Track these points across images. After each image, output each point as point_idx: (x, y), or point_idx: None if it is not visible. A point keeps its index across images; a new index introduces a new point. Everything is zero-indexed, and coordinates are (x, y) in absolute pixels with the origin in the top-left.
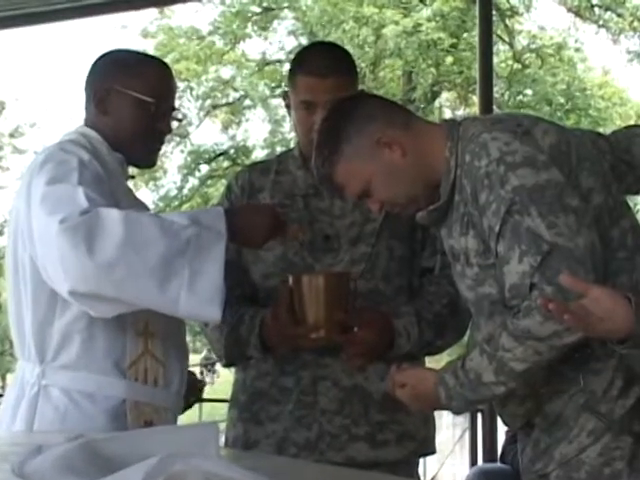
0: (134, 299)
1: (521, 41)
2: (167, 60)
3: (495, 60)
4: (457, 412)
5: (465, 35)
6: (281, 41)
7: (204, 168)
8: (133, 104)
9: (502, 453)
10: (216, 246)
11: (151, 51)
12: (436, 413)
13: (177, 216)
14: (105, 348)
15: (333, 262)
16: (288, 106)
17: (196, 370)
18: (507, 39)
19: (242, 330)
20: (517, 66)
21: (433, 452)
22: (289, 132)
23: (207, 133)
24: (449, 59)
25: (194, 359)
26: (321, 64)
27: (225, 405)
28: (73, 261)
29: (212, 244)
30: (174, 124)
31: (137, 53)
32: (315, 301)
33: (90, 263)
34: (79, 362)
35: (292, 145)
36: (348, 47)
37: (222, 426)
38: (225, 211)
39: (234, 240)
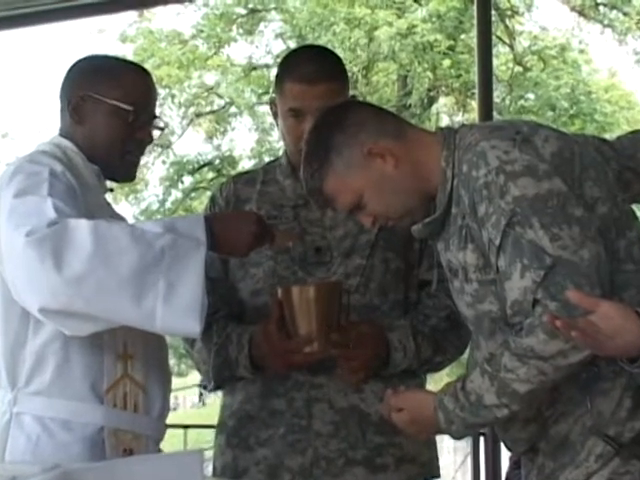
0: (107, 315)
1: (522, 42)
2: (147, 66)
3: (495, 63)
4: (457, 437)
5: (463, 37)
6: (268, 45)
7: (187, 180)
8: (110, 112)
9: (506, 479)
10: (194, 255)
11: (130, 56)
12: (437, 437)
13: (151, 224)
14: (81, 372)
15: (326, 276)
16: (275, 114)
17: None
18: (507, 40)
19: (230, 349)
20: (518, 69)
21: (437, 476)
22: (277, 141)
23: (190, 143)
24: (446, 62)
25: (179, 382)
26: (310, 70)
27: (212, 431)
28: (40, 276)
29: (190, 253)
30: (156, 133)
31: (115, 59)
32: (306, 313)
33: (58, 278)
34: (53, 387)
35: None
36: (339, 50)
37: (209, 454)
38: (205, 218)
39: (215, 249)
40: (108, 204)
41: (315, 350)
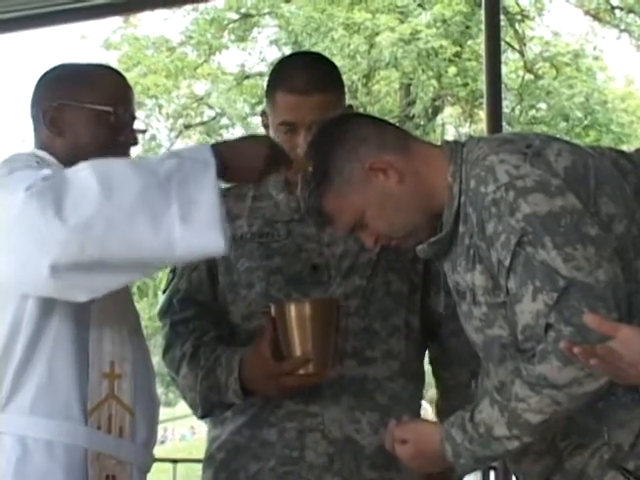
0: (124, 253)
1: (533, 49)
2: (133, 74)
3: (504, 70)
4: (465, 471)
5: (470, 43)
6: (262, 52)
7: None
8: (90, 118)
9: None
10: (204, 175)
11: (114, 64)
12: None
13: (153, 157)
14: (66, 388)
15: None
16: (266, 126)
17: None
18: (517, 46)
19: (219, 373)
20: (529, 77)
21: None
22: None
23: None
24: (452, 70)
25: (168, 413)
26: (304, 79)
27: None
28: (46, 229)
29: (199, 174)
30: (138, 137)
31: (84, 64)
32: (302, 332)
33: (64, 226)
34: (36, 405)
35: None
36: (337, 58)
37: None
38: (211, 145)
39: (224, 176)
40: None
41: (311, 372)
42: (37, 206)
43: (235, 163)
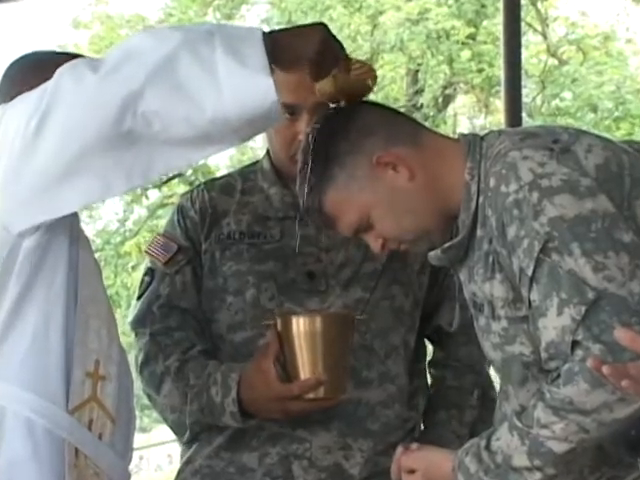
0: (168, 101)
1: (557, 30)
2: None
3: (524, 55)
4: None
5: (485, 23)
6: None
7: (154, 194)
8: None
9: None
10: (250, 36)
11: (84, 45)
12: None
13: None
14: (57, 367)
15: (320, 308)
16: None
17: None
18: (539, 28)
19: (213, 392)
20: (552, 62)
21: None
22: (262, 147)
23: None
24: (465, 54)
25: (142, 440)
26: None
27: None
28: (79, 93)
29: (244, 35)
30: None
31: (55, 53)
32: (312, 350)
33: (95, 80)
34: (21, 375)
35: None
36: None
37: None
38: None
39: (275, 49)
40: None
41: (321, 397)
42: (71, 76)
43: (283, 43)
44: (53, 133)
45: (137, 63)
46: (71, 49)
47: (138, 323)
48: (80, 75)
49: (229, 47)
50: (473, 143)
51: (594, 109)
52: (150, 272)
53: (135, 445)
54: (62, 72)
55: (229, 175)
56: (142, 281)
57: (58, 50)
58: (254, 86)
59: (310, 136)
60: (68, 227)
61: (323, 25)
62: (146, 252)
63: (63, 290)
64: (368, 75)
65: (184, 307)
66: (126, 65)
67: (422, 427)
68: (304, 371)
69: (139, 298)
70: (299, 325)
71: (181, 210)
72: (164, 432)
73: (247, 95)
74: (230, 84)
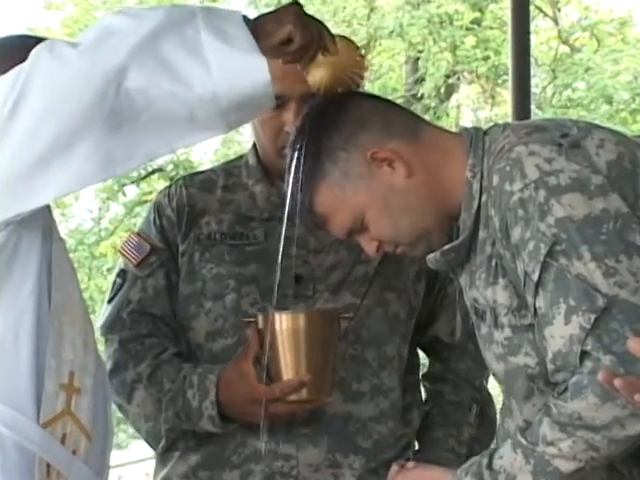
0: (153, 77)
1: (569, 15)
2: None
3: (534, 41)
4: None
5: (492, 7)
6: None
7: (131, 191)
8: None
9: None
10: (232, 17)
11: (57, 28)
12: None
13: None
14: (29, 377)
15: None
16: None
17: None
18: (550, 12)
19: (190, 395)
20: (564, 50)
21: None
22: (249, 141)
23: None
24: (470, 40)
25: (119, 456)
26: None
27: None
28: (61, 68)
29: (225, 15)
30: None
31: (26, 37)
32: (294, 349)
33: (76, 55)
34: None
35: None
36: (330, 25)
37: None
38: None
39: (254, 31)
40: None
41: (304, 399)
42: (46, 51)
43: (258, 30)
44: (29, 113)
45: (118, 39)
46: (42, 33)
47: (107, 329)
48: (59, 52)
49: (214, 27)
50: (475, 138)
51: (609, 100)
52: (122, 274)
53: (112, 463)
54: (39, 50)
55: (211, 170)
56: (114, 282)
57: (29, 34)
58: (245, 64)
59: (299, 130)
60: (40, 225)
61: (296, 4)
62: (119, 251)
63: (34, 295)
64: (359, 60)
65: (156, 314)
66: (107, 41)
67: (417, 445)
68: (286, 371)
69: (110, 301)
70: (282, 322)
71: (158, 208)
72: (142, 449)
73: (238, 73)
74: (219, 62)
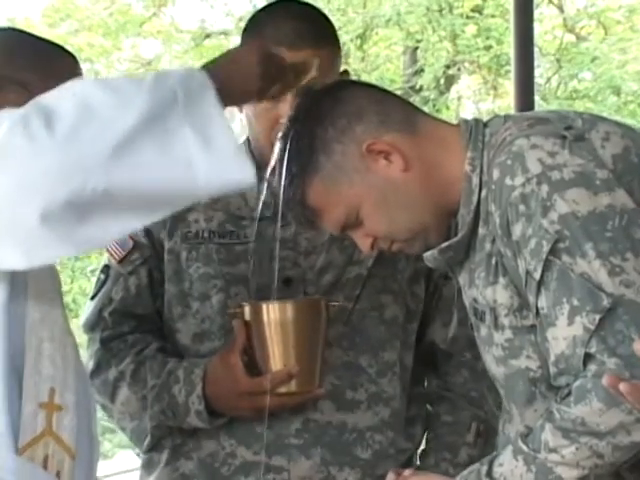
0: (133, 182)
1: (575, 2)
2: (60, 31)
3: (537, 30)
4: None
5: None
6: (227, 3)
7: None
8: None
9: None
10: (207, 96)
11: (37, 18)
12: None
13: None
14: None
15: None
16: None
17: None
18: (555, 0)
19: (175, 391)
20: (569, 38)
21: None
22: (241, 134)
23: None
24: (471, 29)
25: (104, 467)
26: (289, 30)
27: None
28: (36, 155)
29: (201, 93)
30: None
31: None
32: (282, 340)
33: (53, 142)
34: None
35: None
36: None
37: None
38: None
39: (220, 93)
40: None
41: (293, 391)
42: (21, 133)
43: (228, 76)
44: None
45: (99, 128)
46: (22, 23)
47: (89, 327)
48: (34, 132)
49: (196, 122)
50: (475, 130)
51: (617, 91)
52: (105, 269)
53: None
54: (13, 124)
55: None
56: (98, 278)
57: (4, 26)
58: (233, 169)
59: (292, 120)
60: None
61: (257, 49)
62: None
63: (3, 309)
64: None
65: (138, 313)
66: (85, 127)
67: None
68: (274, 363)
69: (92, 298)
70: (269, 312)
71: None
72: (129, 458)
73: (223, 180)
74: (205, 170)
